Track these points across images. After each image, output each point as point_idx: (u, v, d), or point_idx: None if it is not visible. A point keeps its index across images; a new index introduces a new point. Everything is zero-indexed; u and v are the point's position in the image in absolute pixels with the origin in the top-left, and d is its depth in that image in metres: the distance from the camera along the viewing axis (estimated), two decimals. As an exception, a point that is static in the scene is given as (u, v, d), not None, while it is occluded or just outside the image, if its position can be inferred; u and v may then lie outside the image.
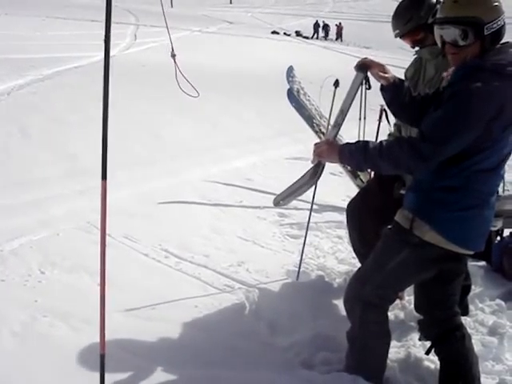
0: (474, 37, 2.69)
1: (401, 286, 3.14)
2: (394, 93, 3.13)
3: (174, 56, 2.91)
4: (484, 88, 2.58)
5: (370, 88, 3.52)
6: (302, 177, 3.76)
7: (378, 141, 2.87)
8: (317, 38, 43.72)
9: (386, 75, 3.18)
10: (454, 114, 2.62)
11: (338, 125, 3.41)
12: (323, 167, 3.53)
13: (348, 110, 3.34)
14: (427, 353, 3.18)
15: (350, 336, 3.11)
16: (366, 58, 3.36)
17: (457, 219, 2.77)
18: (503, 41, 2.79)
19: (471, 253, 2.90)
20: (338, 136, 5.54)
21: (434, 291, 3.02)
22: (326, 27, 45.93)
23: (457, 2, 2.73)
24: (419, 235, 2.80)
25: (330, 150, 2.93)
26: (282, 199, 4.07)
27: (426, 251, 2.82)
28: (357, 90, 3.37)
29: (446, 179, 2.74)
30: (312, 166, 3.51)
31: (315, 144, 3.08)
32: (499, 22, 2.69)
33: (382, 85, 3.17)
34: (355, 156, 2.81)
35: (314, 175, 3.60)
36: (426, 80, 4.02)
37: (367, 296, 2.95)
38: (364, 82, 3.37)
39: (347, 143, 2.90)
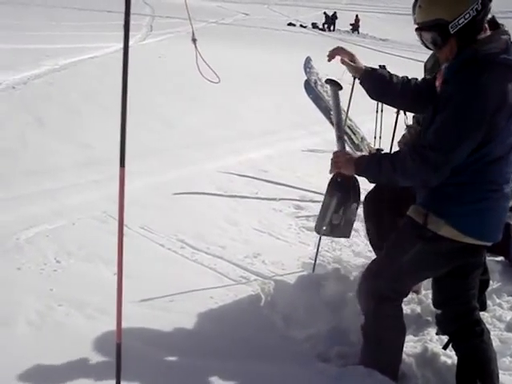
0: (443, 38, 2.71)
1: (415, 280, 3.11)
2: (371, 83, 3.15)
3: (194, 40, 2.87)
4: (480, 84, 2.57)
5: None
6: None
7: (394, 151, 2.84)
8: (327, 29, 43.29)
9: (354, 65, 3.20)
10: (456, 119, 2.60)
11: (340, 138, 3.37)
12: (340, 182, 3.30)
13: (344, 122, 3.29)
14: (445, 347, 3.15)
15: (365, 330, 3.09)
16: (338, 47, 3.35)
17: (472, 212, 2.74)
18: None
19: (489, 244, 2.86)
20: (355, 128, 5.55)
21: (451, 286, 2.99)
22: (333, 17, 45.23)
23: (421, 7, 2.76)
24: (434, 230, 2.77)
25: (348, 161, 2.95)
26: (320, 227, 3.65)
27: (441, 245, 2.80)
28: (339, 102, 3.39)
29: (456, 175, 2.69)
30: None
31: (334, 153, 3.08)
32: (466, 16, 2.63)
33: (359, 78, 3.18)
34: (371, 169, 2.84)
35: (331, 192, 3.40)
36: (446, 72, 3.97)
37: (381, 290, 2.93)
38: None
39: (364, 155, 2.95)
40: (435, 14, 2.69)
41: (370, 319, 3.05)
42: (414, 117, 4.40)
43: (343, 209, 3.38)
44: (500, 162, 2.72)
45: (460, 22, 2.64)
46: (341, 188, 3.31)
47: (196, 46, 2.84)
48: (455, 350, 3.06)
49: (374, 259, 3.33)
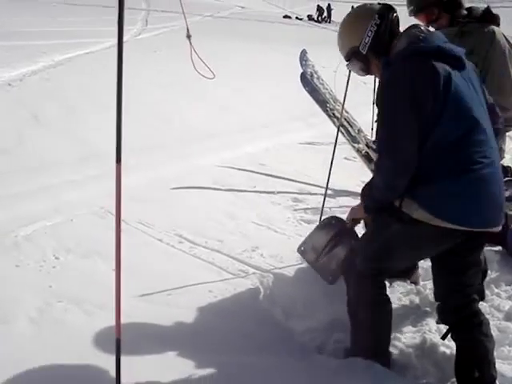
0: (363, 61, 3.03)
1: (393, 261, 3.06)
2: None
3: (189, 37, 2.86)
4: (394, 79, 2.78)
5: None
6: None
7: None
8: (320, 20, 43.15)
9: None
10: (388, 119, 2.80)
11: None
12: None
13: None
14: (443, 338, 3.17)
15: (350, 309, 3.15)
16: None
17: (442, 195, 2.76)
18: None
19: (468, 229, 2.79)
20: (352, 120, 5.55)
21: (451, 281, 3.02)
22: (329, 9, 45.10)
23: (338, 46, 3.13)
24: (408, 212, 2.81)
25: (359, 209, 3.25)
26: (301, 245, 3.82)
27: (416, 229, 2.82)
28: None
29: (424, 159, 2.75)
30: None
31: (351, 209, 3.37)
32: (369, 33, 2.93)
33: None
34: (371, 204, 3.05)
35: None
36: (443, 62, 3.98)
37: (360, 268, 3.01)
38: None
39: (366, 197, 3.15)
40: (347, 45, 3.06)
41: (351, 297, 3.12)
42: None
43: (330, 247, 3.57)
44: (460, 144, 2.74)
45: (366, 41, 2.95)
46: (340, 229, 3.55)
47: (190, 43, 2.84)
48: (454, 340, 3.08)
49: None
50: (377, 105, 2.91)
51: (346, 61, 3.12)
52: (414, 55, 2.78)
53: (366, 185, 3.29)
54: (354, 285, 3.10)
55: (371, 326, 3.09)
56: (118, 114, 2.22)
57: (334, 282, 3.53)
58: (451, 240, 2.87)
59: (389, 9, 3.01)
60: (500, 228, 2.95)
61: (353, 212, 3.36)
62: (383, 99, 2.84)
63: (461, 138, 2.75)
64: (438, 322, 3.33)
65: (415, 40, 2.84)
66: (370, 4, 3.06)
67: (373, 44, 2.95)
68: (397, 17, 3.02)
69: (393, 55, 2.89)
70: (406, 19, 4.19)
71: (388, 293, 4.02)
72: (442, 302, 3.09)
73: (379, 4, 3.03)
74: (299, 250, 3.77)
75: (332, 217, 3.75)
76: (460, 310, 3.00)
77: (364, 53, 2.98)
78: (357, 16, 3.08)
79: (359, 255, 3.06)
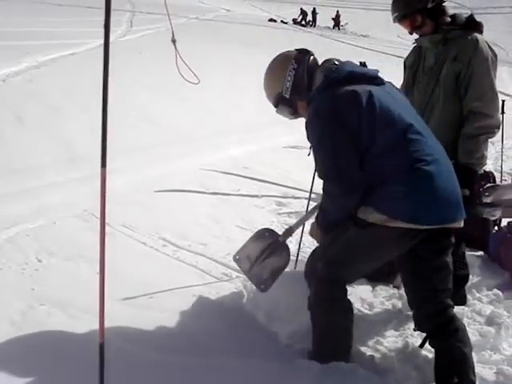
0: (289, 104, 3.25)
1: (353, 265, 3.10)
2: None
3: (174, 41, 2.87)
4: (316, 110, 3.00)
5: None
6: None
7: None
8: (305, 24, 43.20)
9: None
10: (322, 148, 2.98)
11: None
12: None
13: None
14: (421, 346, 3.22)
15: (310, 313, 3.19)
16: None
17: (394, 196, 2.84)
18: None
19: (424, 227, 2.85)
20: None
21: (418, 287, 3.06)
22: (314, 13, 45.13)
23: (266, 96, 3.34)
24: (364, 218, 2.89)
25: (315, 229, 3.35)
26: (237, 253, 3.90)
27: (373, 232, 2.89)
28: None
29: (368, 172, 2.89)
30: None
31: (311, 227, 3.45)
32: (289, 78, 3.18)
33: None
34: (326, 225, 3.17)
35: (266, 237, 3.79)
36: (426, 69, 4.01)
37: (320, 272, 3.07)
38: None
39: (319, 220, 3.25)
40: (271, 92, 3.28)
41: (310, 300, 3.17)
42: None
43: (263, 257, 3.67)
44: (400, 146, 2.87)
45: (287, 85, 3.19)
46: (273, 241, 3.70)
47: (175, 47, 2.84)
48: (432, 347, 3.11)
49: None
50: (308, 139, 3.09)
51: (275, 107, 3.34)
52: (331, 85, 3.01)
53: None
54: (314, 290, 3.14)
55: (329, 332, 3.13)
56: (103, 119, 2.21)
57: (266, 290, 3.64)
58: (409, 240, 2.92)
59: (304, 53, 3.26)
60: (461, 224, 2.98)
61: (312, 230, 3.44)
62: (313, 131, 3.02)
63: (397, 142, 2.88)
64: (414, 330, 3.34)
65: (328, 72, 3.08)
66: (288, 51, 3.31)
67: (294, 87, 3.18)
68: (314, 59, 3.26)
69: (313, 92, 3.12)
70: (391, 25, 4.24)
71: (371, 297, 4.08)
72: (416, 309, 3.12)
73: (296, 50, 3.29)
74: (234, 258, 3.84)
75: (265, 229, 3.88)
76: (434, 317, 3.02)
77: (288, 97, 3.21)
78: (276, 65, 3.28)
79: (319, 260, 3.12)
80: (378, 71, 3.18)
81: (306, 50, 3.31)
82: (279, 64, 3.27)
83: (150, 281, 3.97)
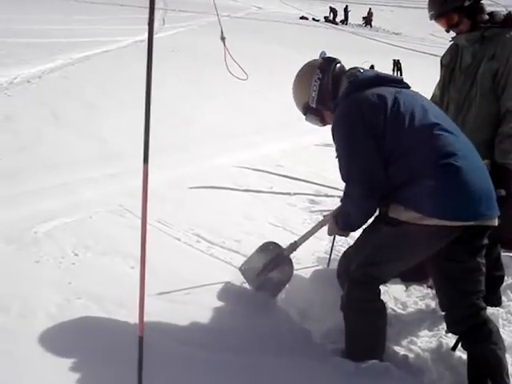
0: (315, 113, 3.33)
1: (386, 265, 3.08)
2: None
3: (223, 39, 2.91)
4: (340, 114, 3.06)
5: (401, 74, 3.60)
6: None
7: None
8: (337, 22, 42.99)
9: None
10: (346, 151, 3.04)
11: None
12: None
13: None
14: (453, 348, 3.21)
15: (343, 313, 3.20)
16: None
17: (426, 193, 2.82)
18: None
19: (461, 224, 2.83)
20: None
21: (452, 290, 3.04)
22: (346, 11, 44.88)
23: (295, 104, 3.44)
24: (396, 217, 2.90)
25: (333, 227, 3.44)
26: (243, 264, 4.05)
27: (405, 230, 2.88)
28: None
29: (397, 171, 2.92)
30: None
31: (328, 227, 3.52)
32: (314, 88, 3.25)
33: None
34: (345, 227, 3.31)
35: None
36: (463, 68, 3.97)
37: (353, 273, 3.07)
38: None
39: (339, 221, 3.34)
40: (299, 102, 3.38)
41: (343, 302, 3.17)
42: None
43: (267, 270, 3.84)
44: (428, 143, 2.88)
45: (313, 95, 3.27)
46: (277, 254, 3.86)
47: (225, 44, 2.87)
48: (464, 349, 3.09)
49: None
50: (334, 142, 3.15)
51: (304, 115, 3.43)
52: (355, 90, 3.06)
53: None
54: (347, 291, 3.14)
55: (362, 333, 3.13)
56: (146, 116, 2.26)
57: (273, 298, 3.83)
58: (442, 238, 2.89)
59: (330, 61, 3.32)
60: (495, 223, 2.95)
61: (330, 229, 3.51)
62: (337, 134, 3.09)
63: (424, 139, 2.88)
64: (447, 332, 3.33)
65: (353, 78, 3.14)
66: (313, 60, 3.39)
67: (319, 96, 3.26)
68: (340, 67, 3.32)
69: (338, 98, 3.17)
70: (423, 22, 4.21)
71: (404, 297, 4.06)
72: (447, 311, 3.10)
73: (322, 58, 3.38)
74: (240, 269, 3.97)
75: (270, 242, 3.98)
76: (467, 319, 3.00)
77: (314, 106, 3.30)
78: (302, 75, 3.37)
79: (352, 261, 3.12)
80: (402, 79, 3.26)
81: (332, 58, 3.37)
82: (305, 74, 3.35)
83: (185, 276, 4.00)
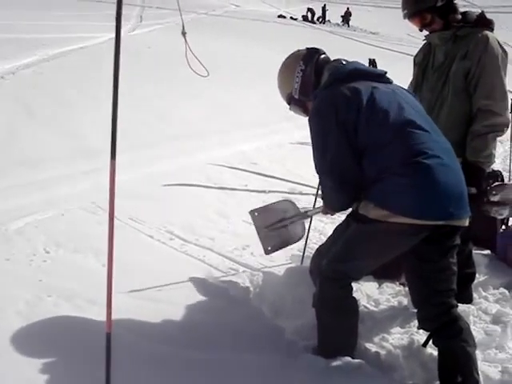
0: (299, 103, 3.35)
1: (356, 262, 3.06)
2: None
3: (184, 34, 2.88)
4: (317, 106, 3.08)
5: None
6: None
7: None
8: (315, 21, 43.08)
9: None
10: (320, 143, 3.05)
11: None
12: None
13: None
14: (424, 345, 3.22)
15: (315, 310, 3.19)
16: None
17: (395, 191, 2.82)
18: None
19: (430, 223, 2.83)
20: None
21: (420, 288, 3.06)
22: (324, 9, 44.97)
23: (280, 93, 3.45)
24: (365, 214, 2.90)
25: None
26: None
27: (374, 227, 2.88)
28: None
29: (368, 167, 2.92)
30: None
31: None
32: (297, 80, 3.28)
33: None
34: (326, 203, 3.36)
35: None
36: (436, 66, 3.99)
37: (323, 270, 3.06)
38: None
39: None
40: (283, 93, 3.41)
41: (315, 298, 3.17)
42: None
43: (281, 225, 3.91)
44: (400, 140, 2.87)
45: (296, 86, 3.29)
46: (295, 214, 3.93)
47: (186, 40, 2.85)
48: (435, 346, 3.11)
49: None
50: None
51: (288, 105, 3.45)
52: (334, 82, 3.07)
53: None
54: (319, 287, 3.14)
55: (334, 330, 3.12)
56: (113, 111, 2.22)
57: (269, 254, 3.99)
58: (412, 237, 2.89)
59: (313, 52, 3.33)
60: (466, 223, 2.95)
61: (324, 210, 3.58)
62: (312, 127, 3.10)
63: (397, 136, 2.88)
64: (418, 328, 3.34)
65: (334, 70, 3.15)
66: (298, 50, 3.39)
67: (302, 87, 3.28)
68: (324, 58, 3.32)
69: (318, 90, 3.18)
70: (401, 22, 4.24)
71: (377, 294, 4.08)
72: (419, 309, 3.11)
73: (307, 49, 3.38)
74: (252, 213, 4.00)
75: (291, 202, 4.09)
76: (438, 317, 3.01)
77: (297, 97, 3.32)
78: (285, 65, 3.39)
79: (323, 258, 3.13)
80: (386, 71, 3.23)
81: (316, 48, 3.37)
82: (288, 65, 3.36)
83: (157, 274, 3.98)
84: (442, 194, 2.82)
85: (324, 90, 3.11)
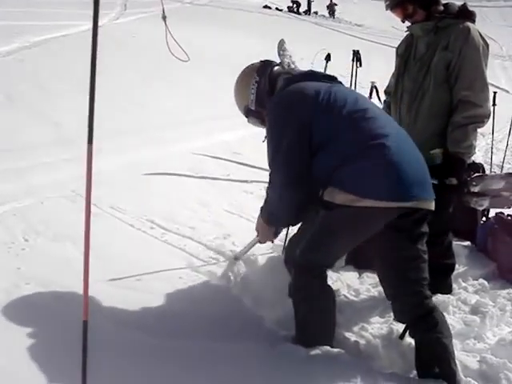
0: (255, 114, 3.43)
1: (327, 248, 3.09)
2: None
3: (164, 18, 2.85)
4: (272, 107, 3.18)
5: (360, 65, 3.67)
6: None
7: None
8: (300, 12, 42.95)
9: None
10: (274, 138, 3.11)
11: None
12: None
13: None
14: (401, 337, 3.22)
15: (292, 299, 3.21)
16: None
17: (355, 173, 2.86)
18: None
19: (396, 205, 2.84)
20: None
21: (391, 278, 3.08)
22: (309, 1, 44.79)
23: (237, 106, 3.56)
24: (331, 200, 2.90)
25: (264, 229, 3.54)
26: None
27: (341, 213, 2.89)
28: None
29: (328, 155, 2.95)
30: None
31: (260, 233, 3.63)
32: (252, 91, 3.37)
33: None
34: (269, 217, 3.38)
35: None
36: (417, 57, 4.01)
37: (298, 260, 3.08)
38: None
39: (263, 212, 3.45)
40: (240, 105, 3.50)
41: (291, 288, 3.19)
42: (384, 101, 4.44)
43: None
44: (355, 125, 2.94)
45: (251, 98, 3.38)
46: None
47: (166, 23, 2.82)
48: (412, 337, 3.12)
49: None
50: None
51: (246, 118, 3.53)
52: (290, 83, 3.18)
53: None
54: (293, 277, 3.16)
55: (310, 318, 3.13)
56: (90, 94, 2.19)
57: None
58: (379, 221, 2.90)
59: (267, 64, 3.44)
60: (432, 207, 2.97)
61: (262, 235, 3.62)
62: (267, 122, 3.20)
63: (356, 122, 2.94)
64: (394, 320, 3.36)
65: (288, 76, 3.29)
66: (252, 64, 3.51)
67: (258, 98, 3.37)
68: (278, 69, 3.43)
69: (275, 94, 3.28)
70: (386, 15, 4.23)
71: (357, 283, 4.10)
72: (393, 301, 3.12)
73: (260, 61, 3.49)
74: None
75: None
76: (412, 309, 3.02)
77: (253, 109, 3.41)
78: (241, 79, 3.49)
79: (297, 247, 3.14)
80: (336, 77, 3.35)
81: (270, 61, 3.50)
82: (243, 78, 3.47)
83: (137, 263, 3.95)
84: (405, 176, 2.84)
85: (279, 93, 3.23)
